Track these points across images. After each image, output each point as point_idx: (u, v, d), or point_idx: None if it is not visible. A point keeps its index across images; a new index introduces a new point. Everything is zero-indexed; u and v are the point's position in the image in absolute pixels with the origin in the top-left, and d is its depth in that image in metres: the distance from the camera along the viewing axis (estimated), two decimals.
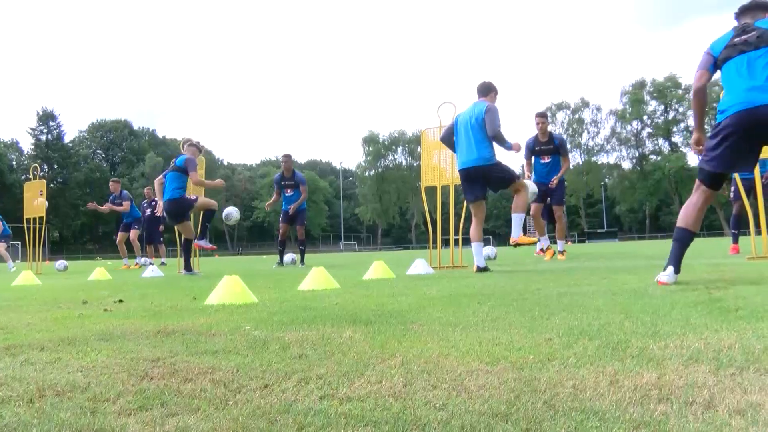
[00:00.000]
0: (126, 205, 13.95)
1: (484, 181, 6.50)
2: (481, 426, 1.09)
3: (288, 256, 13.16)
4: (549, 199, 9.58)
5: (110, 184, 14.56)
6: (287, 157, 11.06)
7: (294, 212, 10.81)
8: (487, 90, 6.58)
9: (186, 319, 2.88)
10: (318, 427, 1.13)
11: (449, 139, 6.79)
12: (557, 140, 9.41)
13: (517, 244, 6.44)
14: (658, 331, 2.00)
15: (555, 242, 10.06)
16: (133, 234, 14.11)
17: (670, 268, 3.85)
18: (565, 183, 9.78)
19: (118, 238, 14.26)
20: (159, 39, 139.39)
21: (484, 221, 6.73)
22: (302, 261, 11.05)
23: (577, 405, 1.20)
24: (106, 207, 14.13)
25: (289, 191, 10.91)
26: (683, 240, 3.96)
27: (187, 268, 8.66)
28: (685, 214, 4.06)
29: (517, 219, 6.55)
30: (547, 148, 9.31)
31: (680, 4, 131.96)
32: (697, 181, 4.11)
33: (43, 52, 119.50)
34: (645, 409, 1.16)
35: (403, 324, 2.43)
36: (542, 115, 9.36)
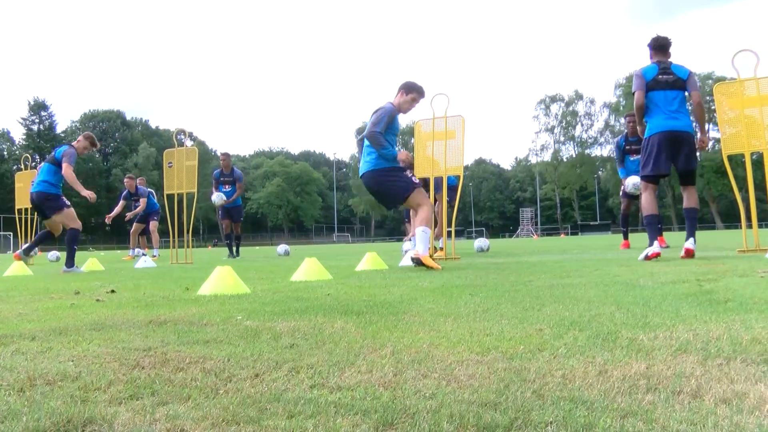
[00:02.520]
0: (143, 203, 13.54)
1: (375, 192, 5.77)
2: (470, 415, 1.09)
3: (281, 247, 13.25)
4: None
5: (125, 181, 13.96)
6: (225, 155, 12.08)
7: (231, 207, 11.68)
8: (399, 89, 5.88)
9: (178, 309, 2.88)
10: (308, 415, 1.13)
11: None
12: None
13: (419, 261, 5.42)
14: (648, 323, 2.02)
15: (549, 235, 10.12)
16: (153, 225, 13.70)
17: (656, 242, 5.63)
18: None
19: (133, 228, 13.80)
20: (151, 29, 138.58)
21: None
22: (237, 253, 11.99)
23: (566, 394, 1.21)
24: (129, 215, 13.62)
25: (226, 186, 11.76)
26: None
27: (69, 264, 7.55)
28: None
29: (421, 235, 5.56)
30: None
31: None
32: (642, 183, 6.01)
33: (35, 42, 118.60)
34: (633, 399, 1.17)
35: (394, 314, 2.44)
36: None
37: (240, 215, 12.01)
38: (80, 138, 7.83)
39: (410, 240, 14.06)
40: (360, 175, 5.76)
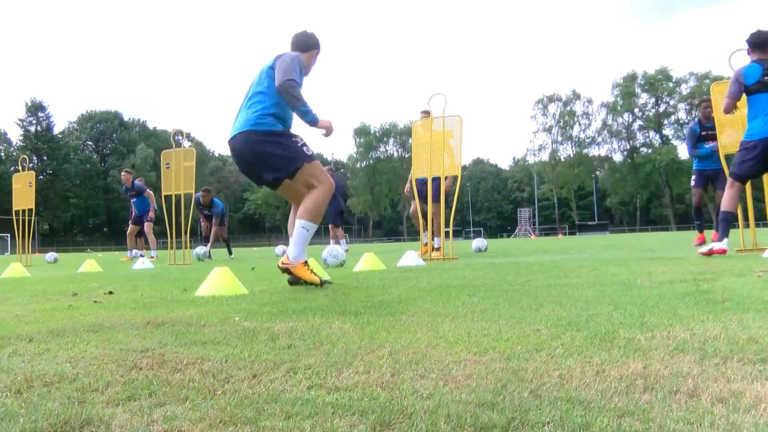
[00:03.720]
0: (150, 194, 13.51)
1: (254, 160, 4.05)
2: (467, 415, 1.10)
3: (279, 248, 13.29)
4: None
5: (122, 175, 13.75)
6: (206, 191, 13.22)
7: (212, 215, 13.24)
8: (299, 45, 4.31)
9: (176, 310, 2.88)
10: (305, 416, 1.13)
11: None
12: None
13: (286, 270, 3.91)
14: (646, 322, 2.02)
15: (546, 235, 10.01)
16: (147, 227, 13.46)
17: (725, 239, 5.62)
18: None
19: (129, 229, 13.66)
20: (149, 30, 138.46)
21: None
22: (210, 256, 12.65)
23: (563, 394, 1.21)
24: (151, 215, 13.50)
25: (209, 213, 13.29)
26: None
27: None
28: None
29: (301, 233, 3.97)
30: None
31: None
32: (730, 179, 5.83)
33: (32, 43, 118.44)
34: (630, 399, 1.17)
35: (392, 315, 2.44)
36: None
37: (223, 221, 13.39)
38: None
39: (339, 244, 14.19)
40: (230, 137, 4.11)
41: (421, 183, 8.54)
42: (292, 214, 4.22)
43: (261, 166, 4.02)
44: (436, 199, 8.48)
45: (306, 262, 3.88)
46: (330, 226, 14.25)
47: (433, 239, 8.55)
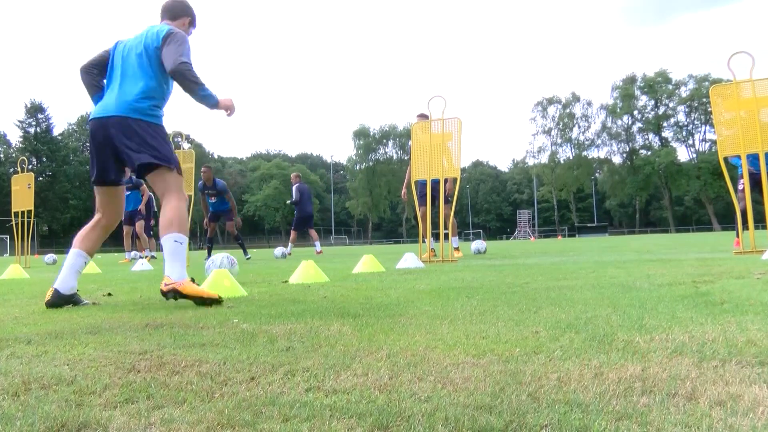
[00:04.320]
0: (144, 190, 13.37)
1: (119, 148, 3.46)
2: (465, 418, 1.09)
3: (278, 250, 13.24)
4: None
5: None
6: (207, 168, 12.26)
7: (219, 211, 12.17)
8: (177, 12, 3.83)
9: (175, 312, 2.88)
10: (303, 419, 1.13)
11: (91, 78, 3.72)
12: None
13: (174, 292, 3.18)
14: (644, 325, 2.02)
15: (546, 237, 10.14)
16: (138, 227, 13.32)
17: None
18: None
19: (124, 230, 13.48)
20: None
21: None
22: (245, 253, 12.47)
23: (561, 397, 1.21)
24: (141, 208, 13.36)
25: (213, 198, 12.10)
26: None
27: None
28: None
29: (172, 247, 3.36)
30: None
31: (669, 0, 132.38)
32: None
33: (32, 44, 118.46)
34: (628, 402, 1.17)
35: (391, 317, 2.44)
36: None
37: (230, 216, 12.18)
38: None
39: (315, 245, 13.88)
40: (101, 116, 3.50)
41: (423, 186, 8.55)
42: (88, 229, 3.69)
43: (138, 149, 3.43)
44: (446, 200, 8.57)
45: (193, 279, 3.31)
46: (293, 230, 14.11)
47: (450, 240, 8.71)
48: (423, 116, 8.45)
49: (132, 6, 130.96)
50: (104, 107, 3.51)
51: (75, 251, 3.62)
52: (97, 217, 3.72)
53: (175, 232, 3.39)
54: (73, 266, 3.55)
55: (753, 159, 7.62)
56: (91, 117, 3.59)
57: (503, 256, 9.48)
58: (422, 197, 8.55)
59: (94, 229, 3.69)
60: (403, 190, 9.57)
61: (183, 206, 3.51)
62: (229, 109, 3.75)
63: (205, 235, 12.79)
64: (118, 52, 3.65)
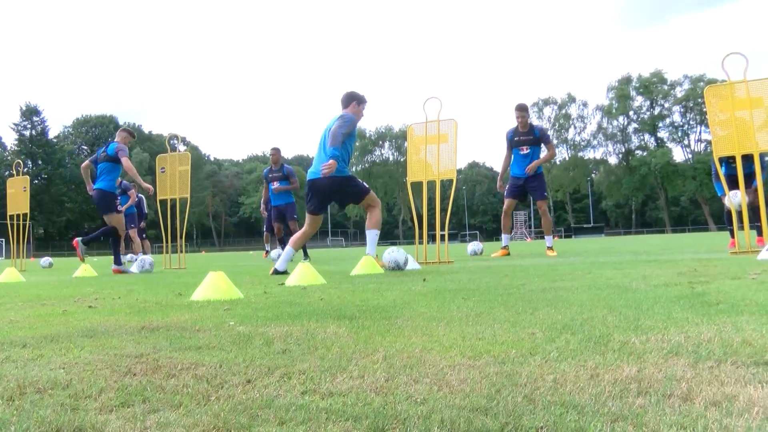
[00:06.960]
0: (131, 197, 13.45)
1: (333, 194, 6.22)
2: (461, 420, 1.09)
3: (275, 252, 13.16)
4: (530, 196, 9.57)
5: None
6: (275, 150, 11.52)
7: (283, 206, 11.30)
8: (347, 100, 6.37)
9: (171, 315, 2.87)
10: (299, 422, 1.13)
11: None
12: (537, 131, 9.37)
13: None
14: (640, 326, 2.02)
15: (543, 238, 10.15)
16: (132, 232, 13.40)
17: None
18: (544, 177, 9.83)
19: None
20: (144, 33, 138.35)
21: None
22: (306, 254, 11.43)
23: (557, 399, 1.21)
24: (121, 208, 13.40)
25: (275, 183, 11.33)
26: None
27: (117, 262, 8.54)
28: None
29: (372, 236, 6.24)
30: (526, 139, 9.25)
31: (664, 1, 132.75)
32: None
33: (27, 47, 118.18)
34: (623, 403, 1.17)
35: (387, 319, 2.44)
36: (522, 109, 9.33)
37: (293, 212, 11.36)
38: (119, 133, 8.45)
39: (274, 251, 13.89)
40: (311, 177, 6.17)
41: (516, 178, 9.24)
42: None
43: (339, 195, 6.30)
44: (541, 196, 9.45)
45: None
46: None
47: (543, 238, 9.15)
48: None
49: (131, 6, 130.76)
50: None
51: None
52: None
53: (374, 229, 6.36)
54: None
55: (731, 168, 7.78)
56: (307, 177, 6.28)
57: (499, 257, 9.47)
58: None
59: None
60: (499, 183, 9.82)
61: (379, 215, 6.39)
62: (329, 168, 5.84)
63: (272, 236, 12.02)
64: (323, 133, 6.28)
